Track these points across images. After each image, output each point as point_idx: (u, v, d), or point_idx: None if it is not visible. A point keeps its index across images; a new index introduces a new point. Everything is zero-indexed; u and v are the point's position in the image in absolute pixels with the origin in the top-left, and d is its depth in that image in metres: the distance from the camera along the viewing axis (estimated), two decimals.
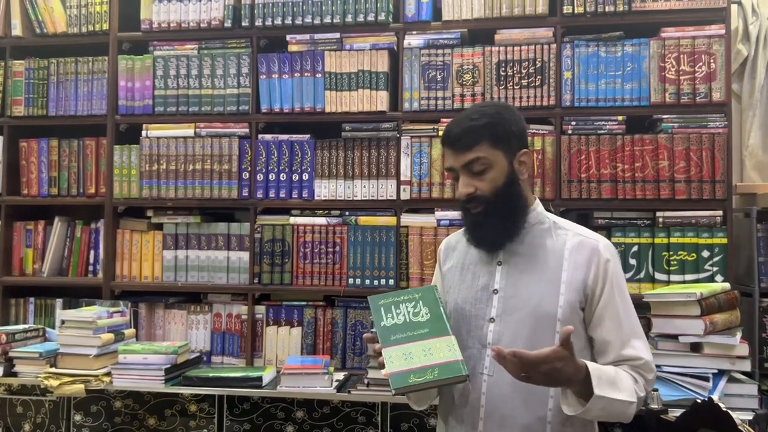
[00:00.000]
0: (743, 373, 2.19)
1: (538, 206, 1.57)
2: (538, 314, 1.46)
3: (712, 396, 1.98)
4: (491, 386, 1.46)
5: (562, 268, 1.48)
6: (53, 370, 2.43)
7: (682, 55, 2.51)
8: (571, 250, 1.50)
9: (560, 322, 1.44)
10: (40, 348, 2.53)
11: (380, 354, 1.41)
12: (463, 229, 1.61)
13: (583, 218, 2.69)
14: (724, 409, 1.73)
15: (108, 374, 2.43)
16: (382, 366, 1.39)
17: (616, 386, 1.36)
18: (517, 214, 1.50)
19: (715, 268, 2.45)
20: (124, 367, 2.41)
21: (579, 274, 1.47)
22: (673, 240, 2.48)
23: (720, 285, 2.26)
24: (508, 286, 1.49)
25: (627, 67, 2.55)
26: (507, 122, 1.49)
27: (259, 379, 2.39)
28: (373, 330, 1.47)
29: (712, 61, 2.49)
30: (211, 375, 2.43)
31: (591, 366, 1.35)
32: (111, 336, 2.49)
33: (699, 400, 1.89)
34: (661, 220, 2.50)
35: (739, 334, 2.17)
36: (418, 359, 1.35)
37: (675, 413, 1.97)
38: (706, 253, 2.46)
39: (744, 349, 2.14)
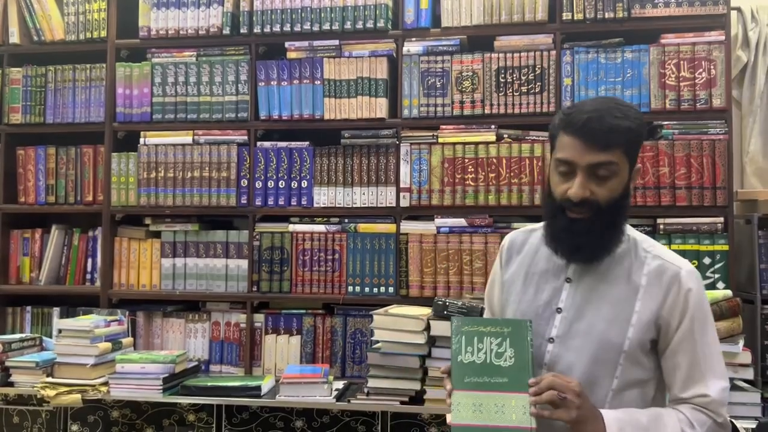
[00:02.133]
0: (746, 381, 2.17)
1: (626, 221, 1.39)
2: (603, 343, 1.32)
3: None
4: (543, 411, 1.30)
5: (637, 296, 1.33)
6: (50, 380, 2.41)
7: (682, 62, 2.50)
8: (649, 276, 1.34)
9: (625, 355, 1.32)
10: (37, 357, 2.50)
11: (450, 394, 1.29)
12: (531, 228, 1.49)
13: None
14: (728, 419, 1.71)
15: (105, 384, 2.41)
16: (449, 407, 1.28)
17: None
18: (619, 229, 1.35)
19: (716, 275, 2.43)
20: (121, 377, 2.39)
21: (653, 304, 1.33)
22: (674, 247, 2.46)
23: (722, 292, 2.24)
24: (573, 306, 1.36)
25: (627, 74, 2.54)
26: (642, 131, 1.33)
27: (258, 388, 2.37)
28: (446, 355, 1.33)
29: (712, 67, 2.49)
30: (209, 384, 2.41)
31: (611, 417, 1.25)
32: (108, 345, 2.48)
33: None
34: (662, 226, 2.49)
35: (741, 342, 2.15)
36: (488, 415, 1.24)
37: None
38: (707, 260, 2.44)
39: (747, 357, 2.12)
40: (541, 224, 1.45)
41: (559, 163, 1.32)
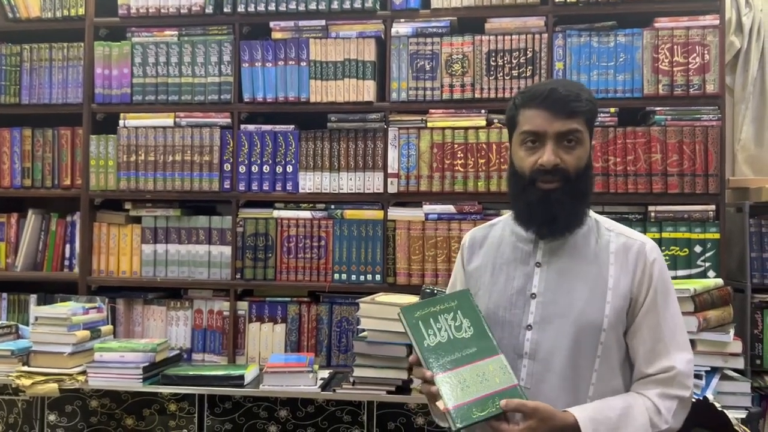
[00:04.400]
0: (736, 370, 2.15)
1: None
2: (582, 323, 1.32)
3: (705, 395, 1.94)
4: (529, 399, 1.29)
5: (609, 273, 1.34)
6: (26, 368, 2.33)
7: (675, 46, 2.46)
8: (617, 253, 1.35)
9: (605, 333, 1.32)
10: (12, 346, 2.43)
11: (430, 382, 1.25)
12: (491, 223, 1.49)
13: None
14: (720, 408, 1.69)
15: (83, 373, 2.34)
16: (433, 397, 1.24)
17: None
18: (587, 200, 1.36)
19: (707, 264, 2.40)
20: (100, 366, 2.33)
21: (625, 279, 1.34)
22: (665, 235, 2.44)
23: (713, 281, 2.22)
24: (547, 290, 1.35)
25: (620, 58, 2.49)
26: (596, 107, 1.40)
27: (241, 377, 2.32)
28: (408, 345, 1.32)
29: (705, 52, 2.44)
30: (191, 373, 2.36)
31: (583, 415, 1.24)
32: (87, 333, 2.41)
33: (693, 399, 1.84)
34: (653, 214, 2.45)
35: (732, 331, 2.13)
36: (475, 388, 1.24)
37: None
38: (698, 248, 2.41)
39: (737, 347, 2.10)
40: (501, 218, 1.49)
41: (526, 135, 1.34)
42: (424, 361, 1.26)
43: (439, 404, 1.22)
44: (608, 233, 1.38)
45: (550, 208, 1.32)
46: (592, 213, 1.41)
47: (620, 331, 1.34)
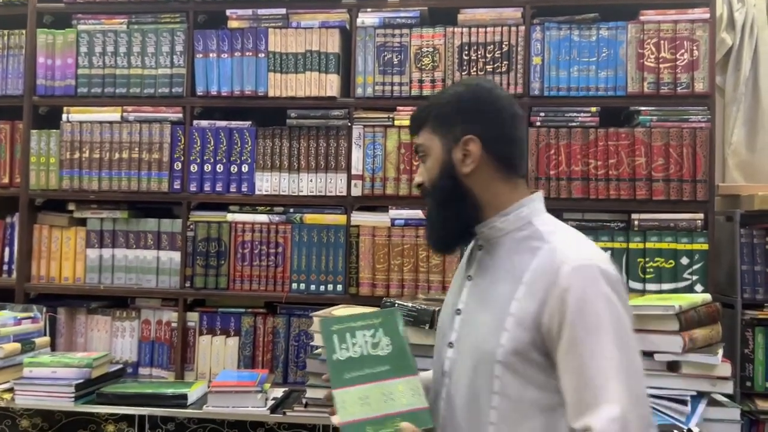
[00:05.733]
0: (724, 395, 1.97)
1: (520, 207, 1.20)
2: (478, 350, 1.16)
3: (689, 425, 1.76)
4: (443, 422, 1.21)
5: (515, 295, 1.13)
6: None
7: (662, 41, 2.28)
8: (534, 272, 1.13)
9: (500, 366, 1.11)
10: None
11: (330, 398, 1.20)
12: None
13: None
14: None
15: (10, 390, 2.13)
16: (333, 411, 1.19)
17: None
18: (454, 215, 1.21)
19: (694, 277, 2.22)
20: (28, 383, 2.12)
21: (532, 305, 1.11)
22: (649, 245, 2.26)
23: (700, 296, 2.04)
24: (468, 307, 1.22)
25: (602, 53, 2.31)
26: (463, 102, 1.20)
27: (184, 396, 2.11)
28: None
29: (695, 48, 2.27)
30: (130, 391, 2.16)
31: None
32: (17, 346, 2.20)
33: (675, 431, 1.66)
34: (636, 222, 2.27)
35: (720, 352, 1.94)
36: (377, 405, 1.17)
37: None
38: (685, 260, 2.23)
39: (726, 369, 1.91)
40: None
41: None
42: (330, 372, 1.23)
43: (334, 419, 1.19)
44: (541, 245, 1.15)
45: (427, 227, 1.31)
46: (540, 220, 1.20)
47: (529, 368, 1.11)
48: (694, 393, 1.89)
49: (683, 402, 1.87)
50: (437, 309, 1.88)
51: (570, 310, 1.06)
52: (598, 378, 1.03)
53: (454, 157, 1.19)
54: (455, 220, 1.21)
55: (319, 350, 2.04)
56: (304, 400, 2.06)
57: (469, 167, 1.19)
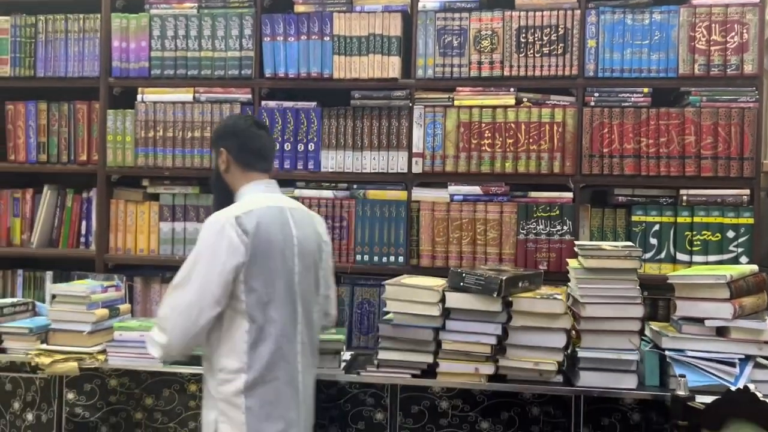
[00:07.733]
0: None
1: (242, 191, 1.93)
2: None
3: (739, 383, 1.90)
4: None
5: None
6: (44, 347, 2.30)
7: (713, 24, 2.38)
8: None
9: None
10: (30, 323, 2.39)
11: None
12: None
13: (602, 195, 2.59)
14: (762, 398, 1.65)
15: (103, 352, 2.30)
16: None
17: None
18: (223, 200, 1.94)
19: (739, 249, 2.35)
20: (119, 345, 2.29)
21: None
22: (696, 219, 2.38)
23: (748, 267, 2.17)
24: None
25: (654, 36, 2.41)
26: (218, 129, 2.06)
27: None
28: None
29: (744, 31, 2.36)
30: None
31: None
32: (105, 312, 2.36)
33: (733, 389, 1.80)
34: (685, 198, 2.39)
35: (767, 318, 2.08)
36: None
37: (701, 400, 1.88)
38: (731, 233, 2.36)
39: None
40: None
41: None
42: None
43: None
44: None
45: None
46: (239, 199, 1.92)
47: None
48: (742, 356, 2.03)
49: (732, 364, 2.01)
50: (504, 278, 2.03)
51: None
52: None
53: (219, 164, 1.96)
54: (222, 196, 1.98)
55: (390, 315, 2.20)
56: (375, 361, 2.21)
57: (224, 167, 1.95)
